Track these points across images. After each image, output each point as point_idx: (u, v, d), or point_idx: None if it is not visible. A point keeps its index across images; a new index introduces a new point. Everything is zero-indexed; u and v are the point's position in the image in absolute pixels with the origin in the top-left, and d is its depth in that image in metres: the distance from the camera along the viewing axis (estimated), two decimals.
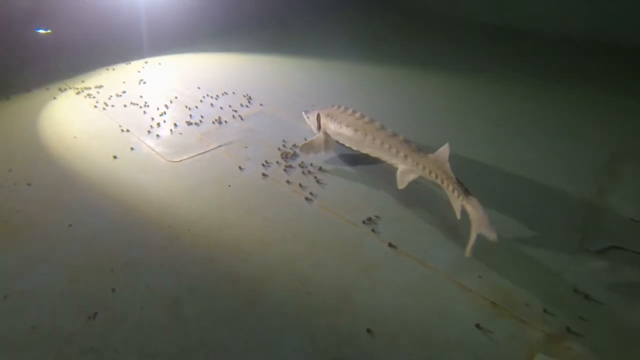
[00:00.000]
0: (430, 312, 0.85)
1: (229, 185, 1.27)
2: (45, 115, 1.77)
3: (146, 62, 2.47)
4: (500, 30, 2.98)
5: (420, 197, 1.20)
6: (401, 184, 1.17)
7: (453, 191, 1.03)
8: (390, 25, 3.28)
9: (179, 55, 2.65)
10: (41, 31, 2.78)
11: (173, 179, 1.32)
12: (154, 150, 1.49)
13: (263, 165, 1.36)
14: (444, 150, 1.08)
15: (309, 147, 1.39)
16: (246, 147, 1.48)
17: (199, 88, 2.05)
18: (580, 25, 2.78)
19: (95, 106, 1.86)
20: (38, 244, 1.06)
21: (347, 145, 1.33)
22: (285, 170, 1.33)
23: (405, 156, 1.16)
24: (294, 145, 1.47)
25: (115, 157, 1.45)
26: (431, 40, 2.85)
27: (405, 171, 1.17)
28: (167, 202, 1.21)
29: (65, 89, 2.03)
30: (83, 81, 2.13)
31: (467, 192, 1.01)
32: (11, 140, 1.58)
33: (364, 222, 1.10)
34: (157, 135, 1.59)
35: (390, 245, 1.02)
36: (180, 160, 1.42)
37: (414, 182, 1.24)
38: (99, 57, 2.52)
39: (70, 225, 1.12)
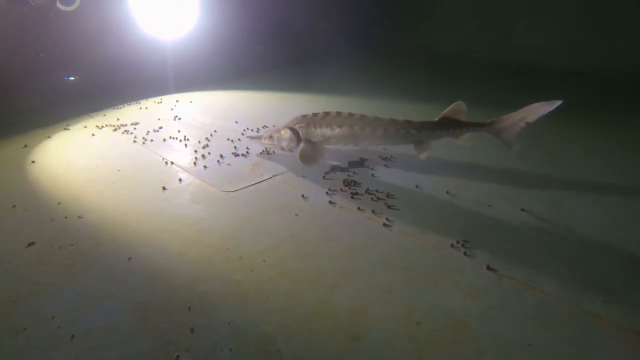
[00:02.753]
0: (567, 345, 0.75)
1: (296, 214, 1.20)
2: (86, 150, 1.74)
3: (177, 101, 2.50)
4: (510, 67, 3.10)
5: (502, 218, 1.14)
6: (424, 155, 1.41)
7: (475, 127, 1.36)
8: (421, 67, 3.41)
9: (209, 92, 2.70)
10: (72, 78, 2.87)
11: (231, 208, 1.26)
12: (204, 181, 1.44)
13: (327, 193, 1.30)
14: (456, 105, 1.37)
15: (307, 158, 1.44)
16: (304, 176, 1.43)
17: (236, 122, 2.05)
18: (588, 57, 2.89)
19: (135, 141, 1.83)
20: (99, 278, 0.97)
21: (341, 145, 1.48)
22: (352, 197, 1.27)
23: (419, 130, 1.38)
24: (354, 173, 1.43)
25: (164, 188, 1.39)
26: (466, 80, 2.94)
27: (421, 143, 1.40)
28: (231, 233, 1.13)
29: (102, 127, 2.02)
30: (118, 119, 2.13)
31: (483, 122, 1.36)
32: (56, 174, 1.52)
33: (452, 245, 1.03)
34: (205, 167, 1.55)
35: (489, 268, 0.94)
36: (236, 190, 1.36)
37: (488, 206, 1.20)
38: (131, 97, 2.55)
39: (130, 259, 1.04)
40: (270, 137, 1.56)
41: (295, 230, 1.13)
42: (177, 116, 2.17)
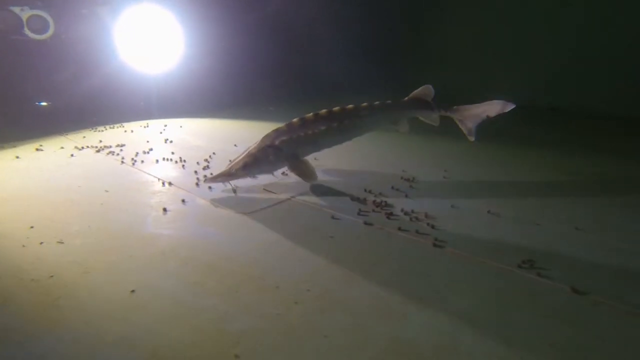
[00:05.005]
0: None
1: (331, 237, 1.00)
2: (64, 171, 1.46)
3: (166, 125, 2.27)
4: None
5: (557, 237, 1.01)
6: (404, 129, 1.46)
7: (444, 109, 1.47)
8: None
9: (198, 119, 2.51)
10: (43, 104, 2.59)
11: (251, 232, 1.04)
12: (212, 202, 1.22)
13: (359, 214, 1.13)
14: (424, 88, 1.45)
15: (307, 173, 1.27)
16: (326, 196, 1.26)
17: (236, 145, 1.86)
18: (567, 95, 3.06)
19: (123, 162, 1.58)
20: (95, 318, 0.71)
21: (333, 145, 1.37)
22: (389, 218, 1.10)
23: (393, 110, 1.42)
24: (380, 194, 1.28)
25: (165, 209, 1.15)
26: None
27: (399, 122, 1.45)
28: (256, 258, 0.91)
29: (83, 148, 1.75)
30: (101, 141, 1.87)
31: (449, 106, 1.47)
32: (26, 196, 1.23)
33: (520, 266, 0.88)
34: (210, 188, 1.33)
35: (576, 291, 0.79)
36: (252, 212, 1.15)
37: (536, 224, 1.08)
38: (112, 120, 2.30)
39: (133, 291, 0.79)
40: (245, 166, 1.23)
41: (336, 253, 0.93)
42: (167, 139, 1.95)
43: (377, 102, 1.38)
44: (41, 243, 0.95)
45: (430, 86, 1.45)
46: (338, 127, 1.31)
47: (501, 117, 1.43)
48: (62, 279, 0.81)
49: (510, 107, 1.39)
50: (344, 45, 3.80)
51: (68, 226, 1.04)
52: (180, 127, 2.26)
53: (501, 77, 3.32)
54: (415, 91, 1.46)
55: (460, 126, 1.49)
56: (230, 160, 1.30)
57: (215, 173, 1.46)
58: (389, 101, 1.41)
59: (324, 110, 1.31)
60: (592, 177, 1.54)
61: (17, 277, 0.81)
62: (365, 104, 1.37)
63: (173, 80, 2.85)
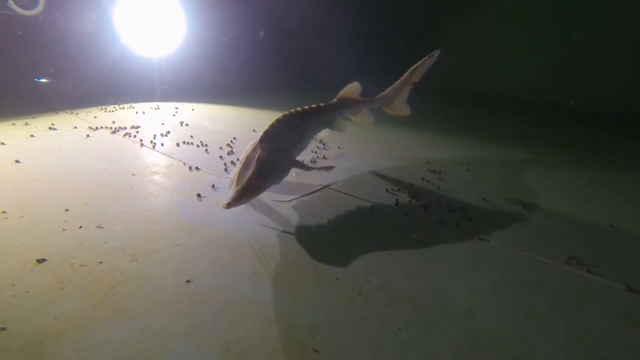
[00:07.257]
0: None
1: (377, 228, 0.98)
2: (85, 152, 1.37)
3: (177, 108, 2.18)
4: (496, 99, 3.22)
5: (594, 233, 1.02)
6: (342, 130, 1.29)
7: (368, 103, 1.36)
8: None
9: (208, 104, 2.42)
10: (43, 80, 2.44)
11: (294, 221, 1.00)
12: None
13: (397, 205, 1.11)
14: (351, 87, 1.32)
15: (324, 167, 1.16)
16: (359, 186, 1.23)
17: (254, 131, 1.80)
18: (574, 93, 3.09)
19: (142, 144, 1.51)
20: (154, 308, 0.67)
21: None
22: (426, 210, 1.09)
23: (333, 111, 1.26)
24: (412, 185, 1.26)
25: (199, 195, 1.11)
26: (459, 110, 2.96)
27: (336, 122, 1.29)
28: (306, 249, 0.88)
29: (97, 128, 1.65)
30: (114, 121, 1.78)
31: (372, 98, 1.37)
32: (52, 177, 1.15)
33: (567, 262, 0.88)
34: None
35: (631, 289, 0.80)
36: (290, 200, 1.12)
37: (571, 222, 1.08)
38: (120, 100, 2.19)
39: (188, 281, 0.75)
40: (263, 175, 0.94)
41: (386, 244, 0.91)
42: (183, 122, 1.87)
43: (323, 104, 1.22)
44: (80, 227, 0.89)
45: (357, 83, 1.30)
46: (314, 127, 1.20)
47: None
48: (111, 266, 0.76)
49: (433, 58, 1.31)
50: (345, 36, 3.72)
51: (103, 210, 0.98)
52: (192, 110, 2.17)
53: (510, 73, 3.33)
54: (343, 90, 1.31)
55: (389, 112, 1.42)
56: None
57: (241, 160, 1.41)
58: (322, 104, 1.23)
59: (291, 111, 1.12)
60: (619, 176, 1.57)
61: (68, 262, 0.75)
62: (314, 105, 1.19)
63: (176, 64, 2.74)
